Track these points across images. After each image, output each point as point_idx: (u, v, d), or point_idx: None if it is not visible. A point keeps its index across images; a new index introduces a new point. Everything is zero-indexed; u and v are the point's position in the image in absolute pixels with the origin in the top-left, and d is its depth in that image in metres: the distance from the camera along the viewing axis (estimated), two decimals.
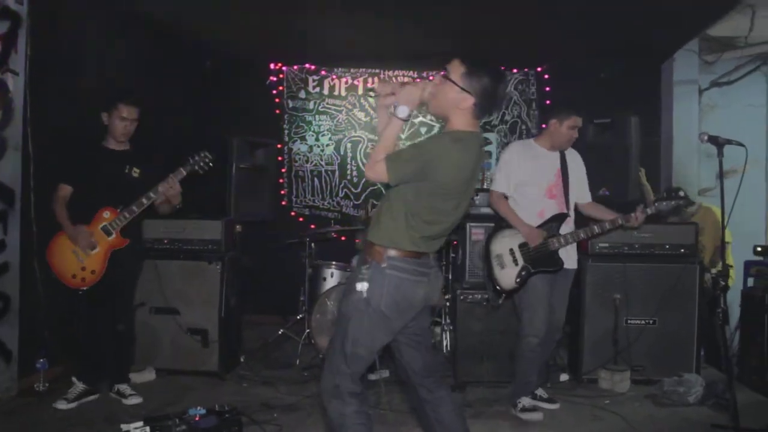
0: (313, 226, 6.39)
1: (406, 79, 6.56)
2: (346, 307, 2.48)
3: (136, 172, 3.99)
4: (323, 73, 6.86)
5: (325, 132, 6.87)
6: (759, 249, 4.85)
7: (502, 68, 6.49)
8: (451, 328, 4.89)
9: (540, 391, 4.03)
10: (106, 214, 3.87)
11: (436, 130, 6.70)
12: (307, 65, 6.85)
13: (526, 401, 3.83)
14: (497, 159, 6.34)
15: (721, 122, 6.03)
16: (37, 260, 4.08)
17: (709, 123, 6.11)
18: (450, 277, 5.27)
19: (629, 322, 4.44)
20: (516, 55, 6.56)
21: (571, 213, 3.91)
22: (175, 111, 5.80)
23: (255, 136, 5.43)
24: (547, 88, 6.74)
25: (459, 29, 5.42)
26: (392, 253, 2.43)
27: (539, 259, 3.72)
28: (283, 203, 6.84)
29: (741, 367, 4.54)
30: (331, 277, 5.13)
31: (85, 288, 3.85)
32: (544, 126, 6.06)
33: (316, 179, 6.92)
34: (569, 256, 3.86)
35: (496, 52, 6.34)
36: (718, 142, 3.26)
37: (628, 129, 4.54)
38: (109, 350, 4.04)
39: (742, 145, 3.29)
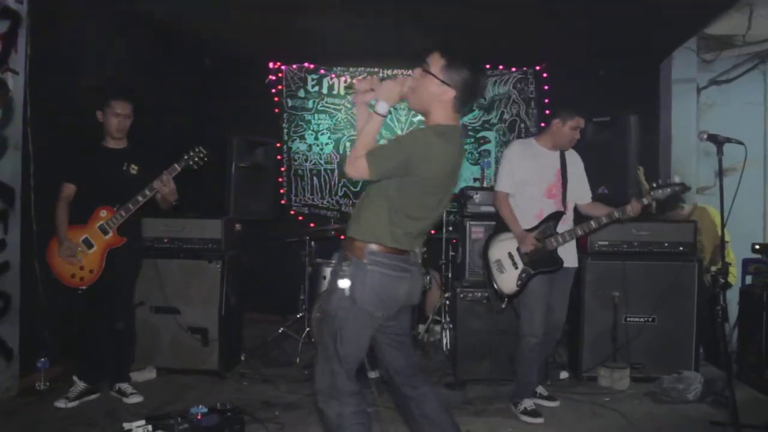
0: (312, 225, 6.41)
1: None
2: (330, 306, 2.44)
3: (134, 169, 3.99)
4: (322, 72, 6.87)
5: (324, 131, 6.88)
6: (757, 247, 4.86)
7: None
8: (451, 326, 4.90)
9: (540, 389, 4.04)
10: (103, 213, 3.87)
11: None
12: (306, 64, 6.86)
13: (527, 403, 3.82)
14: (496, 158, 6.39)
15: (719, 121, 6.04)
16: (37, 260, 4.08)
17: (707, 121, 6.12)
18: (450, 275, 5.28)
19: (628, 319, 4.45)
20: (515, 54, 6.57)
21: (570, 213, 3.90)
22: (174, 110, 5.81)
23: (254, 135, 5.42)
24: (546, 87, 6.75)
25: (458, 28, 5.42)
26: (373, 248, 2.40)
27: (538, 259, 3.72)
28: (283, 202, 6.85)
29: (739, 364, 4.56)
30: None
31: (84, 287, 3.86)
32: (543, 125, 6.10)
33: (315, 178, 6.93)
34: (569, 255, 3.86)
35: (495, 50, 6.37)
36: (717, 141, 3.26)
37: (627, 127, 4.55)
38: (108, 349, 4.05)
39: (741, 143, 3.29)
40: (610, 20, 5.28)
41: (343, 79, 6.84)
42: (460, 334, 4.43)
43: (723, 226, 3.37)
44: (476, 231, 4.46)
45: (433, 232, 5.68)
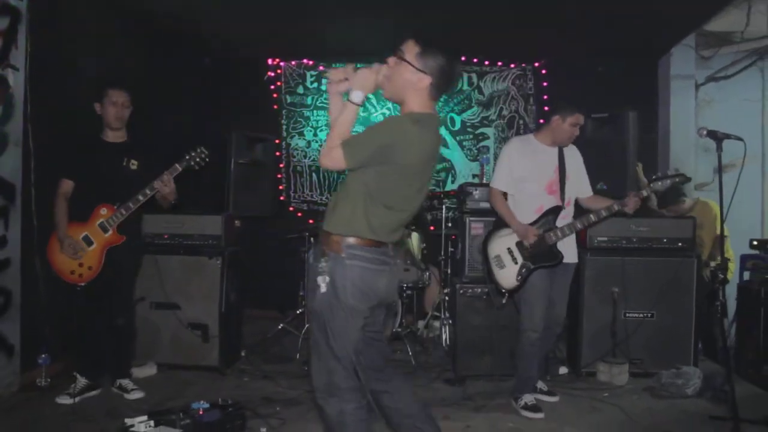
0: (311, 221, 6.42)
1: None
2: (314, 304, 2.38)
3: (134, 165, 3.99)
4: (321, 68, 6.86)
5: (323, 127, 6.88)
6: (755, 243, 4.89)
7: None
8: (451, 322, 4.91)
9: (540, 384, 4.06)
10: (103, 211, 3.87)
11: None
12: (305, 61, 6.86)
13: (528, 398, 3.83)
14: (495, 154, 6.40)
15: (717, 117, 6.07)
16: (38, 256, 4.08)
17: (705, 118, 6.15)
18: (449, 271, 5.29)
19: (627, 315, 4.47)
20: (514, 50, 6.58)
21: (570, 208, 3.91)
22: (174, 107, 5.81)
23: (253, 132, 5.42)
24: (545, 84, 6.76)
25: (457, 24, 5.42)
26: (351, 241, 2.35)
27: (538, 254, 3.73)
28: (282, 198, 6.86)
29: (737, 360, 4.58)
30: None
31: (82, 284, 3.86)
32: (542, 121, 6.11)
33: (314, 174, 6.94)
34: (569, 251, 3.87)
35: (494, 46, 6.37)
36: (717, 137, 3.27)
37: (625, 124, 4.56)
38: (108, 346, 4.05)
39: (740, 139, 3.31)
40: (609, 17, 5.29)
41: None
42: (460, 329, 4.44)
43: (722, 221, 3.38)
44: (476, 227, 4.47)
45: (432, 228, 5.73)
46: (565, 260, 3.80)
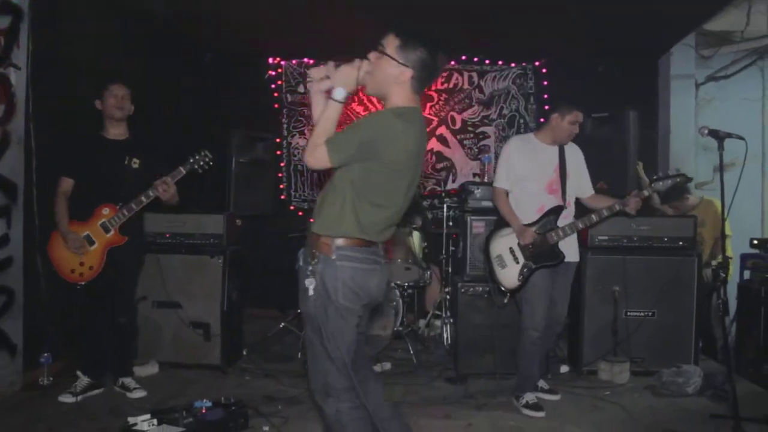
0: (312, 220, 6.40)
1: None
2: (307, 307, 2.35)
3: (135, 163, 3.99)
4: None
5: None
6: (756, 242, 4.89)
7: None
8: (452, 321, 4.92)
9: (541, 383, 4.06)
10: (106, 211, 3.87)
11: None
12: (306, 59, 6.85)
13: (529, 396, 3.84)
14: (496, 153, 6.41)
15: (717, 116, 6.07)
16: (39, 255, 4.08)
17: (705, 117, 6.15)
18: (450, 270, 5.30)
19: (628, 314, 4.47)
20: (514, 50, 6.59)
21: (571, 208, 3.92)
22: (175, 105, 5.81)
23: (254, 131, 5.43)
24: (545, 83, 6.77)
25: (458, 23, 5.44)
26: (340, 242, 2.32)
27: (540, 253, 3.74)
28: (283, 197, 6.86)
29: (738, 358, 4.57)
30: None
31: (83, 283, 3.86)
32: (542, 120, 6.12)
33: (315, 173, 6.92)
34: (570, 250, 3.88)
35: (494, 46, 6.38)
36: (718, 136, 3.28)
37: (626, 123, 4.57)
38: (109, 344, 4.04)
39: (742, 138, 3.31)
40: (609, 17, 5.30)
41: None
42: (461, 328, 4.45)
43: (724, 220, 3.39)
44: (477, 226, 4.48)
45: (434, 227, 5.73)
46: (566, 259, 3.80)
